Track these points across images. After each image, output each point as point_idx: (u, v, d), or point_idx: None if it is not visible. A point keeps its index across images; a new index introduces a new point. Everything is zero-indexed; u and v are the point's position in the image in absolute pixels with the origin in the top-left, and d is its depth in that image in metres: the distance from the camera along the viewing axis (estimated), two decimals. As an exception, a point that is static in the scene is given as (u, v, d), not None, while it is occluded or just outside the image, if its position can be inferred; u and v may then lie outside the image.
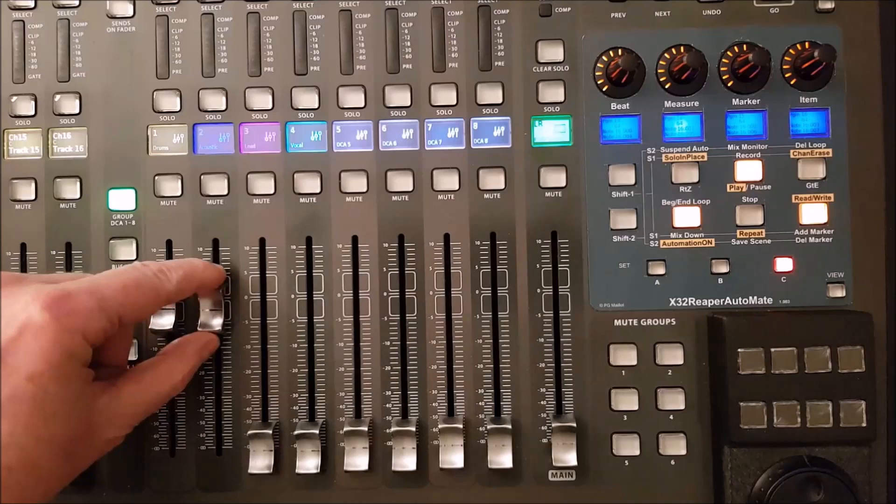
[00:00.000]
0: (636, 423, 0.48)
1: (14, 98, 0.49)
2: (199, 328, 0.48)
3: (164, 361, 0.44)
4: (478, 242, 0.48)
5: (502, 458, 0.47)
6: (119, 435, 0.42)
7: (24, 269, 0.49)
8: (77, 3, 0.50)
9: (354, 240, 0.49)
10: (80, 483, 0.47)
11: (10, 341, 0.36)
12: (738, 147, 0.48)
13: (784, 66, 0.48)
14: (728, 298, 0.48)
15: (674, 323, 0.48)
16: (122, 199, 0.49)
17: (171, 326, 0.47)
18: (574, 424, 0.46)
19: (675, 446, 0.47)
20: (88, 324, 0.38)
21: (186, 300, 0.48)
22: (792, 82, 0.48)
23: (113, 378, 0.42)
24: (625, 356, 0.48)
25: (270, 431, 0.47)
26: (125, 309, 0.40)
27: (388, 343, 0.48)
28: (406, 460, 0.47)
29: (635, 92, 0.48)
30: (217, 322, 0.48)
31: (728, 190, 0.48)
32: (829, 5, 0.48)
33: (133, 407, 0.42)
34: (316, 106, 0.49)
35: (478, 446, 0.48)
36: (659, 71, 0.48)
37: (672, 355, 0.48)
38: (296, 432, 0.47)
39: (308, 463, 0.47)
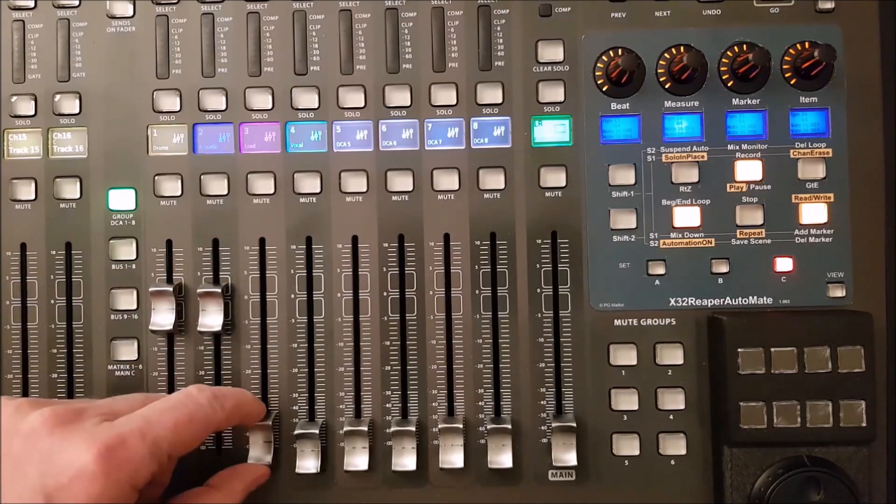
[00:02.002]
0: (636, 423, 0.48)
1: (14, 98, 0.49)
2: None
3: (210, 495, 0.44)
4: (478, 242, 0.48)
5: (502, 458, 0.47)
6: None
7: (24, 269, 0.49)
8: (77, 3, 0.50)
9: (354, 240, 0.49)
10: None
11: (59, 488, 0.36)
12: (738, 147, 0.48)
13: (784, 66, 0.48)
14: (728, 298, 0.48)
15: (674, 323, 0.48)
16: (122, 199, 0.49)
17: (171, 326, 0.47)
18: (574, 424, 0.46)
19: (675, 446, 0.47)
20: (138, 472, 0.38)
21: (187, 300, 0.48)
22: (792, 82, 0.48)
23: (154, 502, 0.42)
24: (625, 356, 0.48)
25: (270, 431, 0.47)
26: (175, 447, 0.40)
27: (388, 343, 0.48)
28: (406, 460, 0.47)
29: (635, 92, 0.48)
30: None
31: (728, 190, 0.48)
32: (829, 5, 0.48)
33: None
34: (316, 106, 0.49)
35: (478, 446, 0.48)
36: (659, 71, 0.48)
37: (672, 355, 0.48)
38: (296, 432, 0.47)
39: (308, 463, 0.47)
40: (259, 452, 0.47)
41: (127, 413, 0.40)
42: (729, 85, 0.48)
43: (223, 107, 0.49)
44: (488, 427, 0.47)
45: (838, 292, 0.48)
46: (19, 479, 0.37)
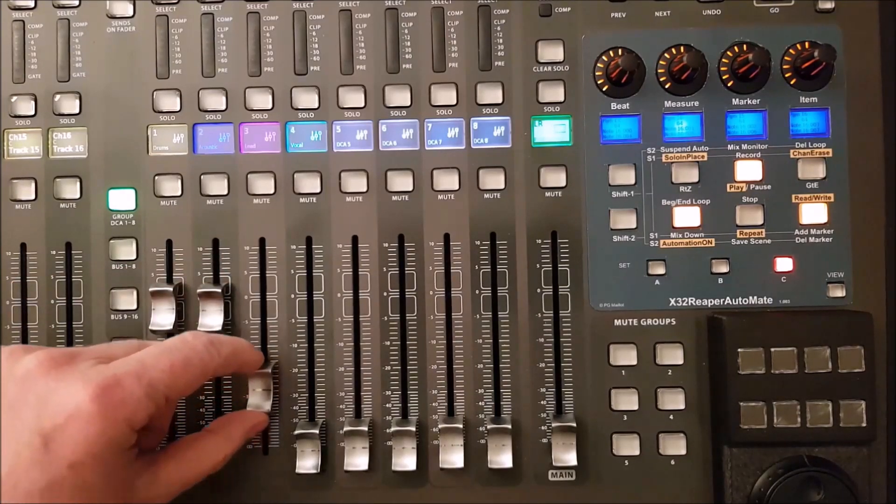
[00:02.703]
0: (636, 423, 0.48)
1: (14, 98, 0.49)
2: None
3: (208, 439, 0.44)
4: (478, 242, 0.48)
5: (502, 457, 0.47)
6: None
7: (24, 269, 0.49)
8: (77, 3, 0.50)
9: (354, 240, 0.49)
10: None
11: (56, 429, 0.36)
12: (738, 147, 0.48)
13: (784, 66, 0.48)
14: (728, 298, 0.48)
15: (674, 323, 0.48)
16: (122, 199, 0.49)
17: (171, 326, 0.47)
18: (574, 424, 0.46)
19: (675, 446, 0.47)
20: (135, 413, 0.38)
21: (187, 300, 0.48)
22: (792, 82, 0.48)
23: (154, 452, 0.42)
24: (625, 356, 0.48)
25: (269, 378, 0.47)
26: (172, 390, 0.40)
27: (388, 343, 0.48)
28: (406, 460, 0.47)
29: (635, 92, 0.48)
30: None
31: (728, 190, 0.48)
32: (829, 5, 0.48)
33: (171, 486, 0.42)
34: (316, 106, 0.49)
35: (478, 446, 0.48)
36: (659, 71, 0.48)
37: (672, 355, 0.48)
38: (296, 432, 0.47)
39: (308, 463, 0.47)
40: (258, 400, 0.47)
41: (122, 357, 0.40)
42: (729, 85, 0.48)
43: (223, 107, 0.49)
44: (488, 427, 0.47)
45: (838, 292, 0.48)
46: (16, 422, 0.36)
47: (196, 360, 0.41)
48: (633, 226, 0.48)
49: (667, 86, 0.48)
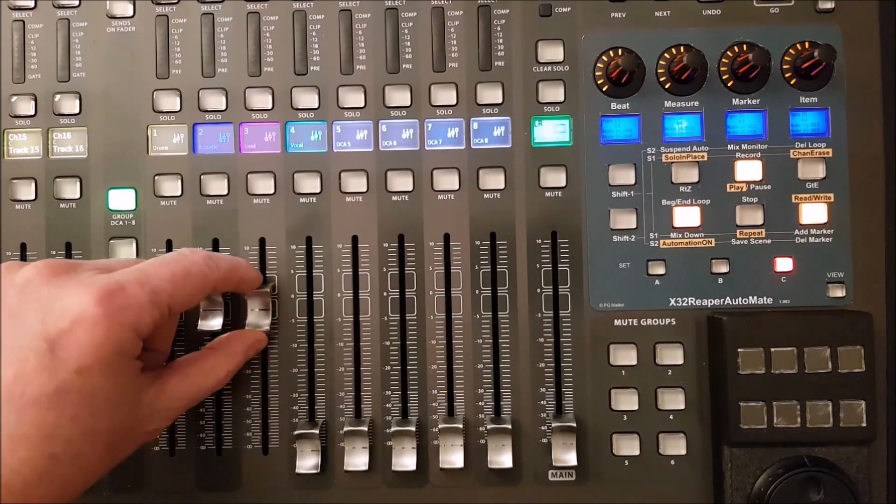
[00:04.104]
0: (636, 423, 0.48)
1: (14, 98, 0.49)
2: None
3: (210, 356, 0.44)
4: (478, 242, 0.48)
5: (502, 458, 0.47)
6: (160, 427, 0.42)
7: (24, 269, 0.49)
8: (77, 3, 0.50)
9: (354, 240, 0.49)
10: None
11: (62, 333, 0.36)
12: (738, 147, 0.48)
13: (784, 66, 0.48)
14: (728, 298, 0.48)
15: (674, 323, 0.48)
16: (122, 199, 0.49)
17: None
18: (574, 424, 0.46)
19: (675, 446, 0.47)
20: (140, 318, 0.38)
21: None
22: (792, 82, 0.48)
23: (158, 368, 0.42)
24: (625, 356, 0.48)
25: (268, 297, 0.47)
26: (175, 299, 0.40)
27: (388, 343, 0.48)
28: (406, 460, 0.47)
29: (635, 92, 0.48)
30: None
31: (728, 190, 0.48)
32: (829, 5, 0.48)
33: (176, 400, 0.42)
34: (316, 106, 0.49)
35: (478, 446, 0.48)
36: (659, 71, 0.48)
37: (672, 355, 0.48)
38: (296, 432, 0.47)
39: (308, 463, 0.47)
40: (256, 318, 0.47)
41: (121, 269, 0.40)
42: (729, 85, 0.48)
43: (223, 107, 0.49)
44: (488, 427, 0.47)
45: (838, 292, 0.48)
46: (19, 329, 0.36)
47: (196, 271, 0.41)
48: (633, 226, 0.48)
49: (667, 86, 0.48)
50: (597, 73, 0.49)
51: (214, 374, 0.44)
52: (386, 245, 0.49)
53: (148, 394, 0.40)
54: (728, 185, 0.48)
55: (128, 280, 0.38)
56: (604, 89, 0.49)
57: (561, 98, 0.49)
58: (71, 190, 0.49)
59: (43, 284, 0.37)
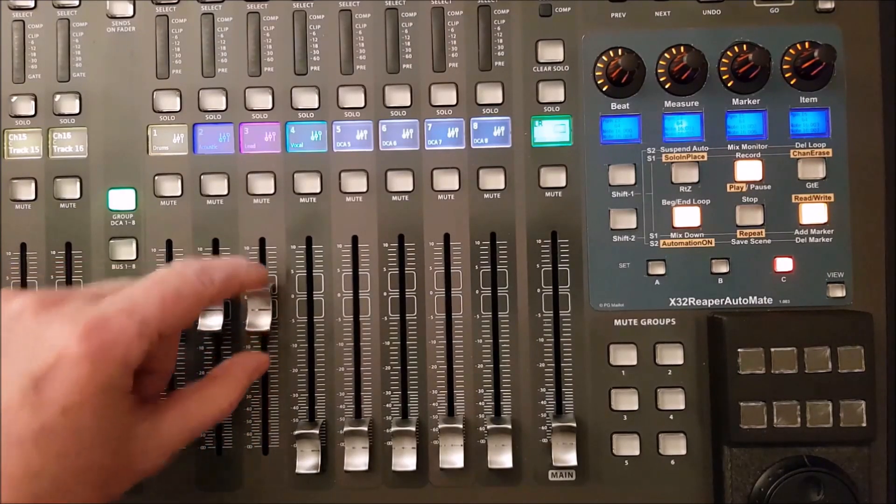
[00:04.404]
0: (636, 423, 0.48)
1: (14, 98, 0.49)
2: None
3: (210, 386, 0.43)
4: (478, 242, 0.48)
5: (502, 458, 0.47)
6: (156, 464, 0.40)
7: (24, 269, 0.49)
8: (77, 3, 0.50)
9: (354, 240, 0.49)
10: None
11: (46, 371, 0.35)
12: (738, 147, 0.48)
13: (784, 66, 0.48)
14: (728, 298, 0.48)
15: (674, 323, 0.48)
16: (122, 199, 0.49)
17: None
18: (574, 424, 0.46)
19: (675, 446, 0.47)
20: (128, 351, 0.36)
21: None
22: (792, 82, 0.48)
23: (156, 398, 0.41)
24: (625, 356, 0.48)
25: (269, 297, 0.47)
26: (165, 324, 0.38)
27: (388, 343, 0.48)
28: (406, 460, 0.47)
29: (635, 92, 0.48)
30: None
31: (728, 190, 0.48)
32: (829, 5, 0.48)
33: (174, 436, 0.40)
34: (316, 106, 0.49)
35: (478, 446, 0.48)
36: (659, 71, 0.48)
37: (672, 355, 0.48)
38: (296, 432, 0.47)
39: (308, 463, 0.47)
40: (255, 318, 0.47)
41: (112, 295, 0.38)
42: (729, 85, 0.48)
43: (223, 107, 0.49)
44: (488, 427, 0.47)
45: (838, 292, 0.48)
46: (6, 365, 0.35)
47: (188, 290, 0.40)
48: (633, 226, 0.48)
49: (667, 86, 0.48)
50: (597, 73, 0.49)
51: (216, 405, 0.42)
52: (386, 245, 0.49)
53: (141, 428, 0.39)
54: (728, 185, 0.48)
55: (115, 311, 0.37)
56: (604, 89, 0.49)
57: (561, 98, 0.49)
58: (71, 190, 0.49)
59: (30, 318, 0.36)
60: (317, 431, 0.47)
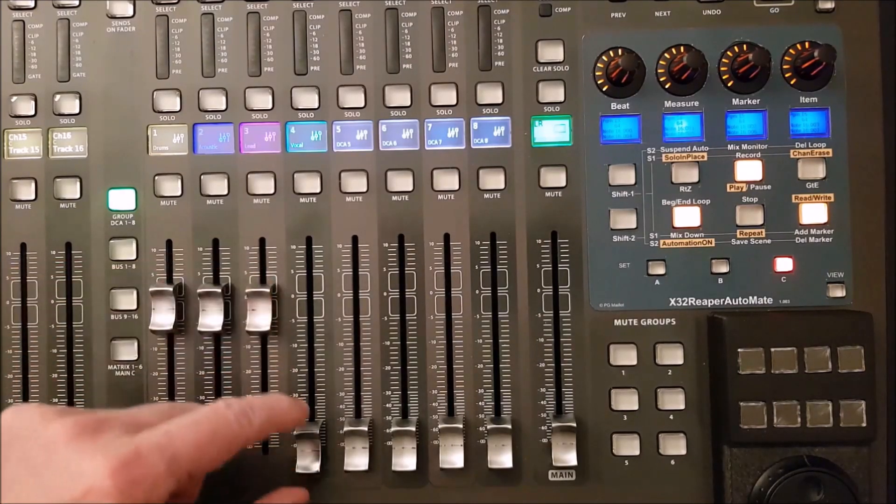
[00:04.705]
0: (636, 423, 0.48)
1: (14, 98, 0.49)
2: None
3: None
4: (478, 242, 0.48)
5: (502, 458, 0.47)
6: None
7: (24, 269, 0.49)
8: (77, 3, 0.50)
9: (354, 240, 0.49)
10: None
11: (74, 501, 0.35)
12: (738, 147, 0.48)
13: (784, 66, 0.48)
14: (728, 298, 0.48)
15: (674, 323, 0.48)
16: (122, 199, 0.49)
17: (171, 326, 0.47)
18: (574, 424, 0.46)
19: (675, 446, 0.47)
20: (155, 489, 0.37)
21: (187, 300, 0.48)
22: (792, 82, 0.48)
23: None
24: (625, 356, 0.48)
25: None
26: (196, 465, 0.39)
27: (388, 343, 0.48)
28: (406, 460, 0.47)
29: (635, 92, 0.48)
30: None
31: (728, 190, 0.48)
32: (829, 5, 0.48)
33: None
34: (316, 106, 0.49)
35: (478, 446, 0.48)
36: (659, 71, 0.48)
37: (672, 355, 0.48)
38: (296, 432, 0.47)
39: (308, 463, 0.47)
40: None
41: (151, 424, 0.39)
42: (729, 85, 0.48)
43: (223, 107, 0.49)
44: (488, 427, 0.47)
45: (838, 292, 0.48)
46: (38, 489, 0.36)
47: (225, 432, 0.40)
48: (633, 226, 0.48)
49: (667, 86, 0.48)
50: (597, 73, 0.49)
51: None
52: (386, 245, 0.49)
53: None
54: (728, 185, 0.48)
55: (149, 446, 0.37)
56: (604, 89, 0.49)
57: (561, 98, 0.49)
58: (71, 190, 0.49)
59: (65, 446, 0.37)
60: (317, 431, 0.47)
